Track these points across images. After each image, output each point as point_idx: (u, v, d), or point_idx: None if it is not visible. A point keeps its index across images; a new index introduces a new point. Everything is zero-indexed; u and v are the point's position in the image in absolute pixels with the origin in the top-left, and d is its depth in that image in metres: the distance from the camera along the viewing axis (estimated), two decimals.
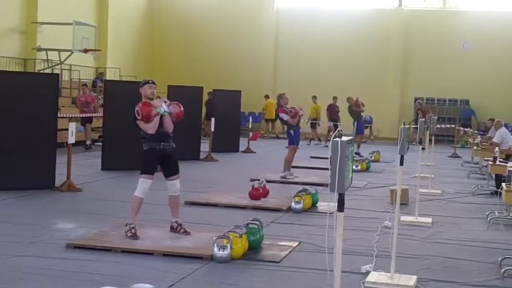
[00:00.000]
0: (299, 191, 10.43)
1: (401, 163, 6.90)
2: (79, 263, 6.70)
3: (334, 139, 4.36)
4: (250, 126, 22.29)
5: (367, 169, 16.27)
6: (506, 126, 16.75)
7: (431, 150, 14.28)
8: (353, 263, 6.99)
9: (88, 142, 19.45)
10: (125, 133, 12.41)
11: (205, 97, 20.63)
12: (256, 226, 7.55)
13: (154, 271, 6.52)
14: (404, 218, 9.60)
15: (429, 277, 6.69)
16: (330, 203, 4.98)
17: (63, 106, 19.86)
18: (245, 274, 6.61)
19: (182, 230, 8.02)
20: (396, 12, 29.89)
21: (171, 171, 8.00)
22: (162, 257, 7.07)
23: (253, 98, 27.72)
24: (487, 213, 10.16)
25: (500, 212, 10.06)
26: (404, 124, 6.94)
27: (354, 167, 5.69)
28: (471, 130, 24.85)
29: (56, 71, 21.99)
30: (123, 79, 25.50)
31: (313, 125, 25.86)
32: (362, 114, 20.83)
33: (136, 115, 7.77)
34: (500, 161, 11.52)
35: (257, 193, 10.82)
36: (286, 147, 14.31)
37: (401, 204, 7.28)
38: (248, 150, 20.57)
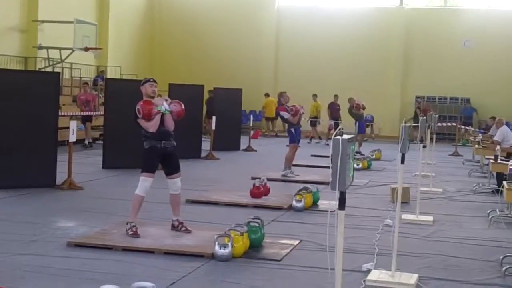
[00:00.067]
0: (300, 190, 10.43)
1: (402, 162, 6.90)
2: (80, 261, 6.70)
3: (335, 137, 4.35)
4: (251, 125, 22.29)
5: (368, 168, 16.26)
6: (507, 124, 16.74)
7: (432, 148, 14.28)
8: (354, 262, 6.99)
9: (87, 141, 19.43)
10: (126, 131, 12.43)
11: (206, 96, 20.61)
12: (257, 225, 7.55)
13: (155, 269, 6.52)
14: (405, 216, 9.59)
15: (430, 276, 6.69)
16: (331, 202, 4.98)
17: (64, 105, 19.86)
18: (246, 272, 6.60)
19: (183, 228, 8.02)
20: (397, 10, 29.87)
21: (172, 170, 8.00)
22: (163, 255, 7.07)
23: (254, 97, 27.73)
24: (488, 212, 10.16)
25: (501, 211, 10.06)
26: (405, 123, 6.94)
27: (355, 165, 5.68)
28: (472, 129, 24.85)
29: (57, 69, 22.02)
30: (124, 77, 25.51)
31: (313, 124, 25.87)
32: (363, 114, 20.86)
33: (137, 113, 7.76)
34: (501, 160, 11.51)
35: (258, 192, 10.82)
36: (287, 146, 14.30)
37: (402, 202, 7.29)
38: (249, 149, 20.57)
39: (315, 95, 26.48)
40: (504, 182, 8.72)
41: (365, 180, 13.78)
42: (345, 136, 4.39)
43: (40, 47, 22.40)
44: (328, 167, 4.76)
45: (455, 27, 28.81)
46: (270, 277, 6.46)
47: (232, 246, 6.92)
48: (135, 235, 7.63)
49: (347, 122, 21.31)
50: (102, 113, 17.42)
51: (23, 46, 22.46)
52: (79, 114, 19.09)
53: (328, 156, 5.60)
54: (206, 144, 18.27)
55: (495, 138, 14.78)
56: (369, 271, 6.65)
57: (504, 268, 6.90)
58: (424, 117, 11.20)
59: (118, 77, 25.38)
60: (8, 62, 21.10)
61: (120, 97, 13.84)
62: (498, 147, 12.31)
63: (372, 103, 26.04)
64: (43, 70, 21.51)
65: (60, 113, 13.15)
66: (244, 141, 20.82)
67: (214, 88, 21.22)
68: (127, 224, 7.80)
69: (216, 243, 6.92)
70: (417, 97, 28.85)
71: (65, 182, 11.44)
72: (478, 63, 28.31)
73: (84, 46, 22.40)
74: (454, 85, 28.66)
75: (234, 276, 6.43)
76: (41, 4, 22.50)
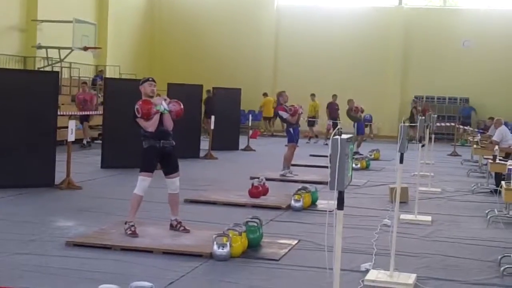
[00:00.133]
0: (299, 189, 10.43)
1: (401, 161, 6.90)
2: (79, 261, 6.70)
3: (334, 137, 4.35)
4: (250, 124, 22.28)
5: (366, 167, 16.27)
6: (506, 124, 16.73)
7: (431, 148, 14.28)
8: (352, 261, 6.99)
9: (85, 141, 19.39)
10: (124, 131, 12.42)
11: (204, 96, 20.62)
12: (256, 224, 7.55)
13: (154, 269, 6.52)
14: (404, 216, 9.60)
15: (429, 275, 6.69)
16: (330, 201, 4.98)
17: (62, 104, 19.83)
18: (244, 272, 6.61)
19: (182, 228, 8.02)
20: (396, 10, 29.88)
21: (170, 169, 8.00)
22: (161, 255, 7.07)
23: (253, 96, 27.73)
24: (486, 212, 10.17)
25: (499, 211, 10.06)
26: (404, 123, 6.94)
27: (353, 165, 5.69)
28: (471, 128, 24.85)
29: (56, 69, 21.98)
30: (123, 77, 25.50)
31: (311, 123, 25.89)
32: (361, 117, 20.87)
33: (136, 113, 7.76)
34: (499, 160, 11.51)
35: (257, 191, 10.82)
36: (286, 145, 14.30)
37: (400, 202, 7.28)
38: (247, 148, 20.57)
39: (313, 95, 26.48)
40: (503, 182, 8.73)
41: (364, 180, 13.78)
42: (344, 136, 4.40)
43: (39, 47, 22.40)
44: (326, 167, 4.76)
45: (454, 27, 28.82)
46: (268, 277, 6.46)
47: (230, 245, 6.92)
48: (134, 234, 7.63)
49: (346, 122, 21.29)
50: (100, 112, 17.42)
51: (22, 45, 22.45)
52: (77, 113, 19.04)
53: (326, 156, 5.60)
54: (204, 144, 18.26)
55: (494, 138, 14.78)
56: (367, 271, 6.66)
57: (502, 268, 6.91)
58: (423, 117, 11.20)
59: (117, 76, 25.37)
60: (7, 62, 21.10)
61: (119, 96, 13.83)
62: (496, 147, 12.31)
63: (371, 103, 26.07)
64: (42, 69, 21.50)
65: (59, 113, 13.15)
66: (243, 141, 20.82)
67: (213, 87, 21.22)
68: (125, 223, 7.80)
69: (215, 242, 6.92)
70: (415, 97, 28.85)
71: (63, 181, 11.43)
72: (477, 63, 28.33)
73: (83, 46, 22.39)
74: (453, 85, 28.68)
75: (233, 275, 6.43)
76: (40, 3, 22.49)
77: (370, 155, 18.15)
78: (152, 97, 7.93)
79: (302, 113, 14.37)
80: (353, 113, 20.40)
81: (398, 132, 7.01)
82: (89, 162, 15.35)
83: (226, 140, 19.54)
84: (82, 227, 8.32)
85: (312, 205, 10.41)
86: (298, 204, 10.09)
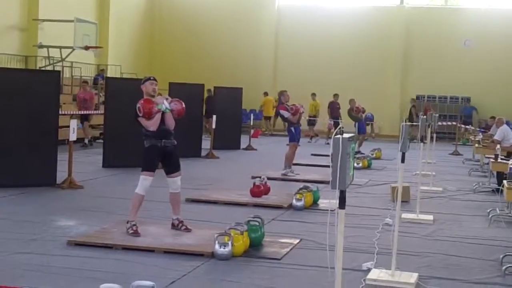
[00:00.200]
0: (300, 189, 10.42)
1: (402, 161, 6.90)
2: (80, 260, 6.70)
3: (336, 136, 4.35)
4: (251, 124, 22.29)
5: (368, 167, 16.27)
6: (507, 123, 16.73)
7: (432, 147, 14.27)
8: (354, 260, 6.99)
9: (86, 140, 19.36)
10: (126, 130, 12.43)
11: (204, 95, 20.58)
12: (257, 223, 7.55)
13: (155, 268, 6.52)
14: (405, 215, 9.59)
15: (430, 275, 6.69)
16: (331, 201, 4.98)
17: (64, 103, 19.83)
18: (246, 271, 6.60)
19: (183, 227, 8.02)
20: (397, 9, 29.87)
21: (172, 168, 7.99)
22: (163, 254, 7.07)
23: (254, 96, 27.74)
24: (488, 211, 10.16)
25: (501, 210, 10.06)
26: (405, 122, 6.94)
27: (355, 164, 5.68)
28: (472, 128, 24.84)
29: (57, 68, 22.03)
30: (124, 76, 25.52)
31: (312, 123, 25.91)
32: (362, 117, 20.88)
33: (138, 112, 7.76)
34: (501, 159, 11.50)
35: (258, 190, 10.81)
36: (287, 144, 14.30)
37: (402, 201, 7.29)
38: (249, 148, 20.58)
39: (313, 94, 26.49)
40: (504, 181, 8.72)
41: (365, 179, 13.78)
42: (345, 135, 4.39)
43: (41, 46, 22.40)
44: (328, 166, 4.76)
45: (455, 26, 28.82)
46: (270, 276, 6.46)
47: (232, 245, 6.92)
48: (135, 234, 7.63)
49: (347, 121, 21.29)
50: (101, 112, 17.40)
51: (24, 45, 22.47)
52: (79, 113, 19.01)
53: (328, 155, 5.60)
54: (206, 143, 18.27)
55: (495, 137, 14.79)
56: (369, 270, 6.65)
57: (504, 267, 6.90)
58: (424, 116, 11.20)
59: (118, 75, 25.38)
60: (8, 61, 21.11)
61: (120, 96, 13.84)
62: (498, 146, 12.31)
63: (372, 102, 26.07)
64: (43, 69, 21.50)
65: (60, 112, 13.15)
66: (244, 140, 20.83)
67: (215, 87, 21.21)
68: (127, 223, 7.80)
69: (216, 242, 6.92)
70: (417, 97, 28.84)
71: (65, 181, 11.43)
72: (478, 63, 28.32)
73: (84, 45, 22.39)
74: (455, 84, 28.67)
75: (234, 275, 6.43)
76: (42, 3, 22.51)
77: (372, 154, 18.15)
78: (153, 96, 7.93)
79: (303, 112, 14.39)
80: (354, 113, 20.40)
81: (399, 131, 7.00)
82: (91, 162, 15.35)
83: (227, 139, 19.55)
84: (83, 227, 8.32)
85: (313, 204, 10.41)
86: (299, 203, 10.09)
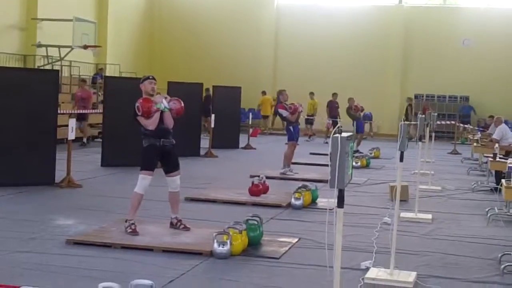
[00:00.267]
0: (299, 188, 10.42)
1: (401, 160, 6.90)
2: (79, 259, 6.70)
3: (334, 135, 4.35)
4: (250, 123, 22.28)
5: (367, 166, 16.28)
6: (506, 122, 16.75)
7: (431, 146, 14.28)
8: (352, 259, 6.99)
9: (85, 139, 19.31)
10: (124, 129, 12.42)
11: (203, 94, 20.58)
12: (256, 222, 7.55)
13: (154, 267, 6.52)
14: (404, 214, 9.60)
15: (429, 273, 6.69)
16: (330, 199, 4.98)
17: (63, 102, 19.80)
18: (244, 270, 6.61)
19: (182, 226, 8.02)
20: (396, 8, 29.88)
21: (171, 168, 7.99)
22: (161, 253, 7.07)
23: (253, 95, 27.73)
24: (486, 210, 10.17)
25: (500, 209, 10.07)
26: (404, 121, 6.94)
27: (353, 163, 5.69)
28: (471, 127, 24.86)
29: (56, 67, 22.00)
30: (123, 75, 25.50)
31: (309, 121, 25.92)
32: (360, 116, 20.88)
33: (137, 111, 7.76)
34: (500, 158, 11.51)
35: (257, 189, 10.82)
36: (286, 143, 14.31)
37: (400, 200, 7.28)
38: (248, 147, 20.58)
39: (311, 93, 26.51)
40: (503, 180, 8.73)
41: (364, 178, 13.79)
42: (344, 134, 4.40)
43: (39, 45, 22.39)
44: (327, 165, 4.76)
45: (454, 25, 28.83)
46: (268, 275, 6.46)
47: (230, 244, 6.92)
48: (134, 232, 7.63)
49: (346, 120, 21.29)
50: (100, 111, 17.36)
51: (22, 44, 22.45)
52: (77, 112, 18.94)
53: (327, 154, 5.60)
54: (205, 142, 18.27)
55: (494, 136, 14.80)
56: (367, 269, 6.65)
57: (502, 266, 6.90)
58: (423, 116, 11.21)
59: (117, 75, 25.33)
60: (7, 60, 21.09)
61: (119, 95, 13.83)
62: (496, 145, 12.32)
63: (371, 102, 26.08)
64: (42, 68, 21.48)
65: (59, 111, 13.14)
66: (243, 139, 20.83)
67: (213, 86, 21.18)
68: (126, 221, 7.80)
69: (215, 240, 6.92)
70: (415, 96, 28.84)
71: (64, 180, 11.43)
72: (477, 62, 28.34)
73: (83, 44, 22.36)
74: (453, 84, 28.69)
75: (233, 274, 6.43)
76: (40, 2, 22.49)
77: (370, 153, 18.16)
78: (152, 95, 7.92)
79: (302, 111, 14.41)
80: (353, 111, 20.41)
81: (398, 130, 7.01)
82: (89, 161, 15.35)
83: (226, 138, 19.55)
84: (82, 225, 8.32)
85: (312, 203, 10.41)
86: (298, 202, 10.09)
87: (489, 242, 8.32)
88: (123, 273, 6.17)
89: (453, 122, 25.03)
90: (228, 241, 6.90)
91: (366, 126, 25.10)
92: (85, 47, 22.50)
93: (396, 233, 6.61)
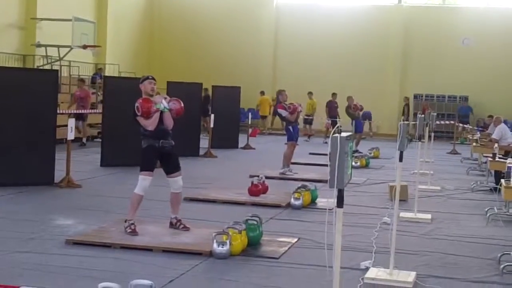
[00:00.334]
0: (298, 188, 10.42)
1: (400, 160, 6.90)
2: (78, 259, 6.70)
3: (334, 135, 4.35)
4: (249, 123, 22.29)
5: (366, 166, 16.28)
6: (505, 122, 16.75)
7: (430, 146, 14.28)
8: (352, 259, 6.99)
9: (84, 139, 19.28)
10: (124, 129, 12.42)
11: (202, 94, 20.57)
12: (255, 222, 7.55)
13: (153, 267, 6.52)
14: (403, 214, 9.61)
15: (428, 273, 6.70)
16: (329, 199, 4.98)
17: (62, 102, 19.79)
18: (244, 270, 6.61)
19: (182, 226, 8.02)
20: (396, 8, 29.89)
21: (171, 169, 7.97)
22: (161, 253, 7.07)
23: (253, 94, 27.73)
24: (486, 210, 10.18)
25: (499, 209, 10.07)
26: (403, 121, 6.94)
27: (353, 163, 5.69)
28: (470, 127, 24.87)
29: (55, 67, 21.99)
30: (122, 75, 25.49)
31: (308, 121, 25.91)
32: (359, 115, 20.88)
33: (136, 111, 7.75)
34: (499, 158, 11.51)
35: (256, 189, 10.82)
36: (285, 143, 14.31)
37: (400, 200, 7.28)
38: (247, 147, 20.58)
39: (310, 93, 26.49)
40: (502, 180, 8.74)
41: (363, 178, 13.79)
42: (343, 134, 4.40)
43: (39, 45, 22.38)
44: (326, 165, 4.76)
45: (453, 25, 28.84)
46: (268, 275, 6.46)
47: (230, 244, 6.92)
48: (134, 233, 7.63)
49: (345, 120, 21.30)
50: (99, 111, 17.34)
51: (22, 43, 22.45)
52: (76, 111, 18.90)
53: (326, 154, 5.59)
54: (204, 142, 18.26)
55: (493, 136, 14.80)
56: (367, 269, 6.65)
57: (502, 266, 6.91)
58: (422, 115, 11.21)
59: (116, 75, 25.34)
60: (6, 60, 21.09)
61: (118, 95, 13.83)
62: (496, 145, 12.32)
63: (371, 101, 26.07)
64: (41, 68, 21.48)
65: (58, 111, 13.14)
66: (242, 139, 20.82)
67: (213, 86, 21.17)
68: (125, 222, 7.80)
69: (214, 241, 6.92)
70: (415, 95, 28.85)
71: (63, 180, 11.43)
72: (476, 61, 28.35)
73: (82, 44, 22.34)
74: (453, 83, 28.69)
75: (232, 274, 6.44)
76: (40, 1, 22.49)
77: (370, 153, 18.15)
78: (152, 95, 7.92)
79: (301, 111, 14.41)
80: (352, 110, 20.40)
81: (397, 130, 7.01)
82: (89, 161, 15.35)
83: (225, 138, 19.54)
84: (81, 225, 8.32)
85: (311, 203, 10.41)
86: (297, 202, 10.09)
87: (488, 242, 8.32)
88: (123, 273, 6.17)
89: (452, 122, 25.04)
90: (228, 241, 6.90)
91: (366, 126, 25.11)
92: (85, 47, 22.49)
93: (395, 233, 6.61)
